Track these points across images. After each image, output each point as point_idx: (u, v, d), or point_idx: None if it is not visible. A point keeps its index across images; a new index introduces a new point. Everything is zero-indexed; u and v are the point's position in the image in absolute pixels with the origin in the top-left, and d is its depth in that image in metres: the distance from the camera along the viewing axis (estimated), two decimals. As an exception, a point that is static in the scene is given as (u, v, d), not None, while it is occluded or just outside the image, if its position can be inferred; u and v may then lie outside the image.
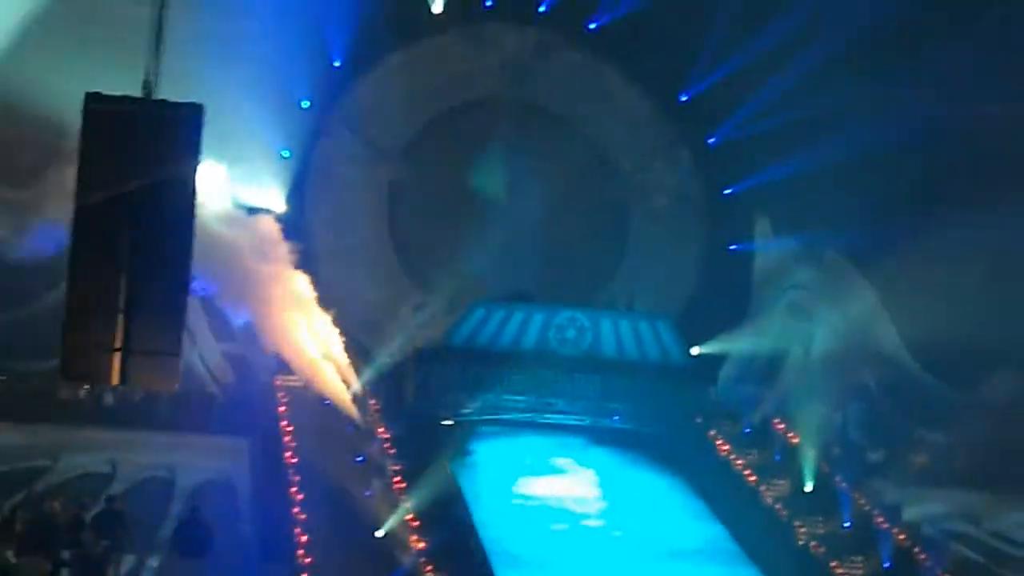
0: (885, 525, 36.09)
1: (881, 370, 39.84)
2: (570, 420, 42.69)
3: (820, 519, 36.89)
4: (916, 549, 35.05)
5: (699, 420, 42.00)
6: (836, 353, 40.55)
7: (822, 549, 35.79)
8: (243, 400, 36.96)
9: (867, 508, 36.72)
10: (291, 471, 34.39)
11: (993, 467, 35.84)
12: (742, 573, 35.75)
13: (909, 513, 35.99)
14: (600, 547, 36.61)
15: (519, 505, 38.35)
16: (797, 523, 36.98)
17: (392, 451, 37.20)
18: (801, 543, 36.51)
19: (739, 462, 40.14)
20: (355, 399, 38.61)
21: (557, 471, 40.67)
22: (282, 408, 37.45)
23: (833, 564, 35.18)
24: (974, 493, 35.88)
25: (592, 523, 37.79)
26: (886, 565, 34.64)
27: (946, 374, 38.30)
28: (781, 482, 38.82)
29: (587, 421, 42.70)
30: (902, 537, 35.59)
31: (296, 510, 32.42)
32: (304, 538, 31.18)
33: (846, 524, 36.46)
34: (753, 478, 39.33)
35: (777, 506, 37.99)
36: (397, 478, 35.82)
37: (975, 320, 37.43)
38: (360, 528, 32.63)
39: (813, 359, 41.08)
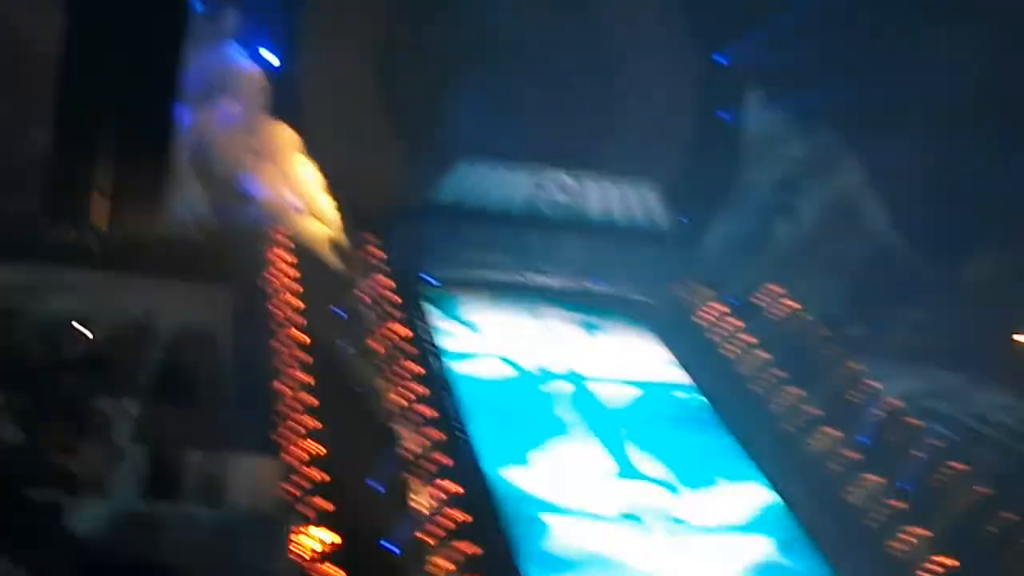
0: (863, 400, 36.17)
1: (865, 247, 39.72)
2: (554, 282, 42.59)
3: (800, 391, 36.95)
4: (894, 425, 35.14)
5: (683, 287, 41.91)
6: (821, 228, 40.42)
7: (799, 420, 35.90)
8: (228, 249, 36.74)
9: (846, 383, 36.77)
10: (273, 323, 34.31)
11: (972, 347, 35.87)
12: (718, 440, 35.89)
13: (888, 389, 36.03)
14: (574, 404, 36.70)
15: (496, 361, 38.42)
16: (777, 394, 37.04)
17: (375, 306, 37.13)
18: (779, 414, 36.59)
19: (721, 331, 40.15)
20: (339, 252, 38.46)
21: (539, 330, 40.71)
22: (267, 259, 37.28)
23: (810, 436, 35.29)
24: (953, 372, 35.94)
25: (565, 387, 37.82)
26: (862, 439, 34.75)
27: (930, 253, 38.20)
28: (761, 353, 38.83)
29: (569, 283, 42.59)
30: (880, 412, 35.68)
31: (278, 362, 32.38)
32: (285, 390, 31.18)
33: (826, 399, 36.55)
34: (734, 348, 39.37)
35: (756, 377, 38.04)
36: (375, 328, 35.79)
37: (962, 202, 37.31)
38: (340, 381, 32.63)
39: (798, 232, 40.94)
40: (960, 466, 33.01)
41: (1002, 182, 37.57)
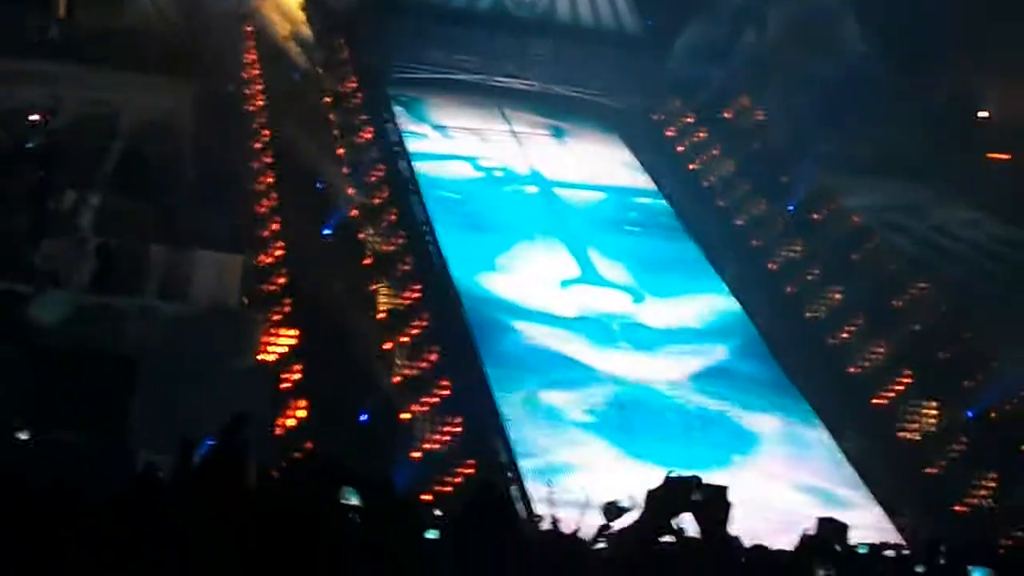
0: (826, 212, 36.21)
1: (835, 58, 39.37)
2: (519, 84, 42.23)
3: (762, 201, 36.94)
4: (855, 237, 35.23)
5: (649, 93, 41.63)
6: (790, 38, 39.99)
7: (761, 230, 35.96)
8: (192, 42, 36.14)
9: (811, 196, 36.78)
10: (237, 118, 33.94)
11: (943, 164, 35.79)
12: (680, 246, 35.96)
13: (853, 202, 36.03)
14: (540, 208, 36.69)
15: (464, 164, 38.26)
16: (738, 203, 37.05)
17: (338, 103, 36.80)
18: (742, 223, 36.62)
19: (685, 139, 40.01)
20: (305, 49, 37.97)
21: (505, 136, 40.47)
22: (232, 53, 36.73)
23: (771, 246, 35.37)
24: (922, 188, 35.90)
25: (531, 190, 37.74)
26: (823, 254, 34.83)
27: (901, 71, 37.91)
28: (725, 164, 38.75)
29: (537, 86, 42.26)
30: (842, 224, 35.76)
31: (241, 158, 32.10)
32: (250, 183, 30.98)
33: (789, 208, 36.52)
34: (698, 156, 39.26)
35: (720, 185, 38.01)
36: (342, 131, 35.50)
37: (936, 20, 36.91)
38: (304, 182, 32.39)
39: (766, 40, 40.55)
40: (922, 285, 33.18)
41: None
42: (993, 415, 30.04)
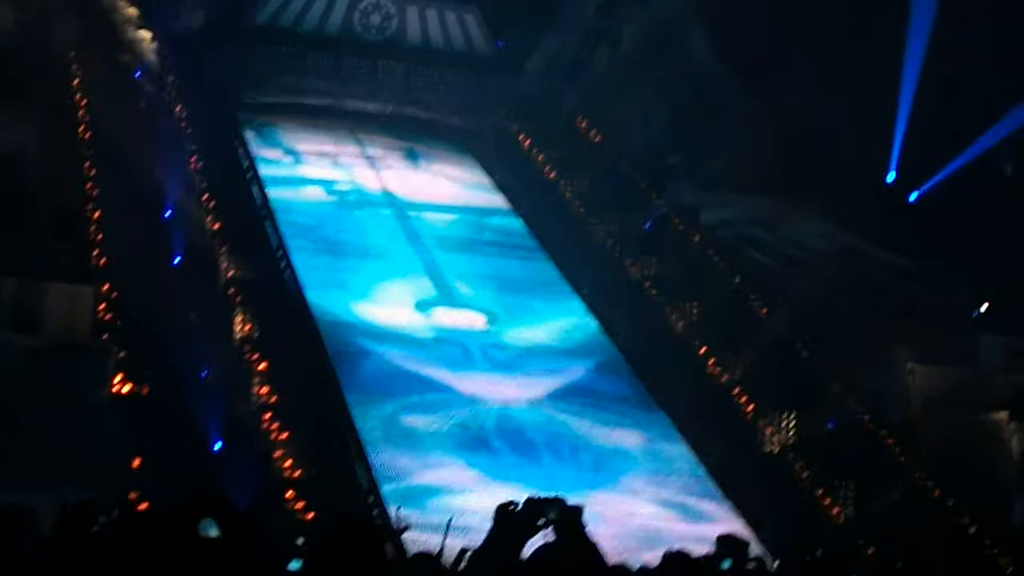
0: (681, 227, 36.48)
1: (688, 74, 39.74)
2: (372, 107, 42.09)
3: (617, 218, 37.12)
4: (710, 251, 35.55)
5: (502, 112, 41.70)
6: (643, 53, 40.29)
7: (617, 247, 36.14)
8: (32, 68, 35.57)
9: (665, 210, 37.04)
10: (82, 144, 33.44)
11: (790, 174, 36.19)
12: (538, 265, 36.01)
13: (706, 216, 36.36)
14: (395, 230, 36.57)
15: (317, 189, 38.04)
16: (594, 221, 37.19)
17: (188, 129, 36.41)
18: (597, 241, 36.77)
19: (540, 157, 40.10)
20: (150, 73, 37.55)
21: (359, 159, 40.31)
22: (75, 81, 36.23)
23: (628, 263, 35.56)
24: (770, 199, 36.28)
25: (386, 213, 37.61)
26: (679, 270, 35.09)
27: (751, 81, 38.32)
28: (581, 180, 38.89)
29: (390, 109, 42.14)
30: (698, 239, 36.06)
31: (89, 185, 31.61)
32: (96, 214, 30.49)
33: (645, 226, 36.75)
34: (553, 174, 39.37)
35: (576, 203, 38.12)
36: (193, 157, 35.14)
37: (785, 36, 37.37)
38: (153, 206, 32.01)
39: (620, 57, 40.82)
40: (776, 297, 33.51)
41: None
42: (851, 424, 30.44)
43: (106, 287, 27.93)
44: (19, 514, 10.20)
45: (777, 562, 12.33)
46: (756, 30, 37.94)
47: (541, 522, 9.35)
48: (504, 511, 9.30)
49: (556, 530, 9.40)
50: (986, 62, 35.34)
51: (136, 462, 24.43)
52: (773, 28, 37.46)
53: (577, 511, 9.58)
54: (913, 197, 36.75)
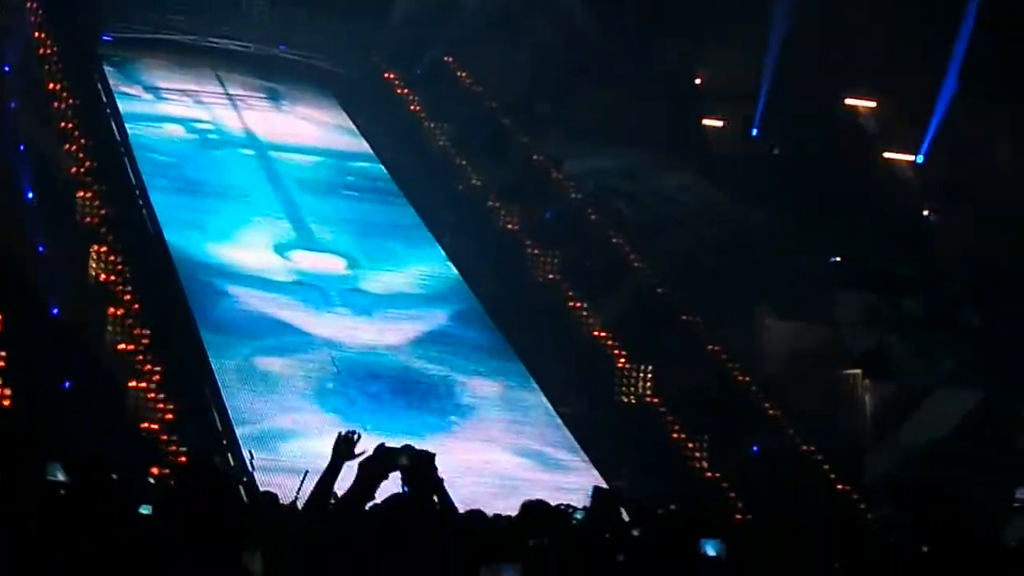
0: (545, 176, 36.43)
1: (558, 24, 39.63)
2: (234, 45, 41.48)
3: (484, 165, 36.92)
4: (577, 200, 35.51)
5: (368, 55, 41.31)
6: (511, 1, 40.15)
7: (483, 195, 35.98)
8: None
9: (535, 159, 36.95)
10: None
11: (658, 130, 36.29)
12: (400, 210, 35.80)
13: (572, 167, 36.29)
14: (255, 171, 36.17)
15: (177, 127, 37.47)
16: (460, 167, 36.97)
17: (45, 62, 35.61)
18: (461, 188, 36.56)
19: (406, 102, 39.79)
20: (5, 3, 36.71)
21: (220, 98, 39.74)
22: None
23: (491, 204, 35.39)
24: (639, 153, 36.31)
25: (247, 153, 37.17)
26: (547, 215, 35.03)
27: (620, 32, 38.31)
28: (448, 126, 38.62)
29: (253, 48, 41.55)
30: (564, 189, 36.03)
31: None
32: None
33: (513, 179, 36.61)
34: (420, 119, 39.08)
35: (442, 149, 37.88)
36: (48, 89, 34.39)
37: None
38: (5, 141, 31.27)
39: (489, 2, 40.58)
40: (640, 250, 33.59)
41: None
42: (708, 378, 30.66)
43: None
44: None
45: (625, 515, 12.27)
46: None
47: (396, 466, 9.24)
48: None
49: (407, 477, 9.29)
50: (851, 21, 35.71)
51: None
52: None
53: (429, 457, 9.46)
54: (776, 152, 37.03)
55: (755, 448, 28.95)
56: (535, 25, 38.91)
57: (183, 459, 24.37)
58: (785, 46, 36.08)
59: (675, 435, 29.35)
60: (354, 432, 9.36)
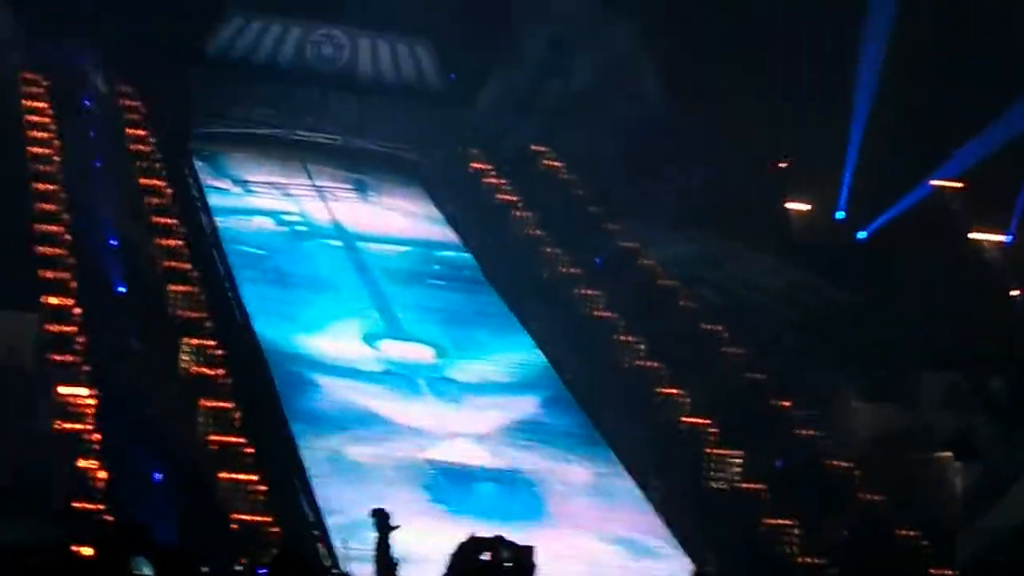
0: (629, 263, 36.54)
1: (637, 107, 39.84)
2: (321, 138, 42.04)
3: (568, 251, 37.09)
4: (660, 287, 35.59)
5: (453, 145, 41.70)
6: (595, 88, 40.41)
7: (567, 281, 36.12)
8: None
9: (618, 244, 37.10)
10: (30, 172, 33.31)
11: (740, 214, 36.34)
12: (486, 298, 35.97)
13: (655, 252, 36.38)
14: (343, 262, 36.48)
15: (266, 219, 37.96)
16: (545, 254, 37.18)
17: (136, 158, 36.30)
18: (546, 275, 36.74)
19: (491, 190, 40.10)
20: (99, 102, 37.45)
21: (308, 190, 40.22)
22: (22, 109, 36.08)
23: (578, 297, 35.54)
24: (720, 238, 36.33)
25: (335, 245, 37.55)
26: (622, 299, 35.09)
27: (702, 113, 38.45)
28: (535, 212, 38.87)
29: (340, 140, 42.08)
30: (648, 275, 36.10)
31: (34, 215, 31.46)
32: (41, 243, 30.30)
33: (596, 260, 36.74)
34: (504, 207, 39.34)
35: (526, 236, 38.10)
36: (140, 186, 35.01)
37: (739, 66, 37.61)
38: (100, 237, 31.80)
39: (572, 92, 40.90)
40: (718, 328, 33.60)
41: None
42: (796, 461, 30.48)
43: (51, 315, 27.71)
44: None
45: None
46: (706, 66, 38.15)
47: (490, 560, 9.32)
48: (464, 551, 9.25)
49: (508, 570, 9.36)
50: (935, 103, 35.68)
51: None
52: (723, 66, 37.66)
53: (528, 551, 9.54)
54: (862, 235, 36.94)
55: (844, 534, 28.73)
56: (617, 110, 39.11)
57: (274, 550, 24.50)
58: (870, 126, 36.12)
59: (766, 519, 29.16)
60: (381, 509, 9.51)
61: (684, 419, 31.47)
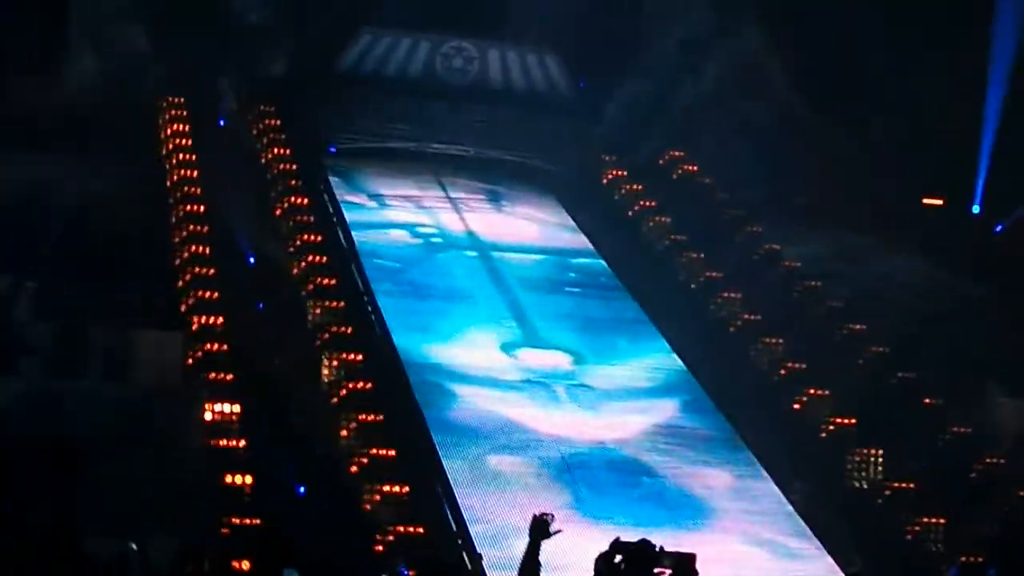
0: (762, 262, 36.44)
1: (769, 107, 39.68)
2: (454, 150, 42.33)
3: (700, 254, 37.06)
4: (796, 287, 35.45)
5: (586, 154, 41.79)
6: (726, 89, 40.29)
7: (703, 285, 36.09)
8: (122, 120, 36.07)
9: (745, 246, 37.00)
10: (171, 195, 33.93)
11: (878, 210, 36.05)
12: (622, 304, 36.02)
13: (790, 252, 36.24)
14: (479, 272, 36.70)
15: (401, 232, 38.30)
16: (679, 258, 37.18)
17: (273, 176, 36.82)
18: (682, 279, 36.73)
19: (623, 196, 40.16)
20: (234, 120, 38.02)
21: (442, 202, 40.52)
22: (162, 130, 36.72)
23: (713, 300, 35.49)
24: (857, 235, 36.05)
25: (470, 255, 37.77)
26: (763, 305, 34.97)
27: (834, 114, 38.23)
28: (662, 219, 38.89)
29: (472, 151, 42.36)
30: (783, 273, 35.99)
31: (176, 233, 32.07)
32: (184, 262, 30.89)
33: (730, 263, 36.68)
34: (637, 213, 39.38)
35: (660, 241, 38.12)
36: (278, 203, 35.54)
37: (866, 61, 37.35)
38: (240, 256, 32.31)
39: (702, 94, 40.81)
40: (858, 326, 33.39)
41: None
42: (940, 459, 30.21)
43: (196, 333, 28.22)
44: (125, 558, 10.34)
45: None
46: (836, 62, 37.93)
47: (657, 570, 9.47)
48: (608, 556, 9.37)
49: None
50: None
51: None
52: (854, 60, 37.41)
53: (692, 559, 9.68)
54: (1000, 228, 36.51)
55: (987, 530, 28.43)
56: (750, 109, 38.96)
57: (418, 560, 24.73)
58: (1005, 117, 35.72)
59: (913, 518, 28.94)
60: (547, 513, 9.66)
61: (826, 418, 31.30)
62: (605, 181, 40.98)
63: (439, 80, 42.69)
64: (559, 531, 9.59)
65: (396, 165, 41.56)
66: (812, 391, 31.93)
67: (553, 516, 9.66)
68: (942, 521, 28.60)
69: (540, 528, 9.59)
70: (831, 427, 31.04)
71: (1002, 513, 28.91)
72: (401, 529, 25.81)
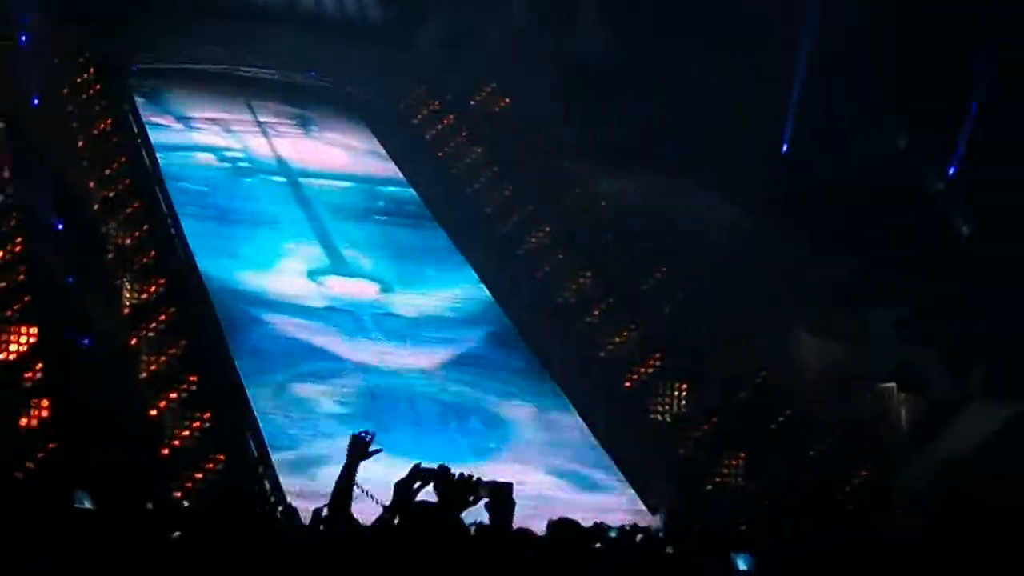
0: (573, 198, 36.54)
1: (581, 45, 39.68)
2: (264, 73, 41.66)
3: (509, 187, 37.01)
4: (603, 223, 35.55)
5: (398, 82, 41.44)
6: (536, 24, 40.20)
7: (509, 217, 36.09)
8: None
9: (557, 181, 37.05)
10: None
11: (681, 147, 36.21)
12: (431, 234, 35.91)
13: (599, 188, 36.31)
14: (287, 198, 36.33)
15: (209, 155, 37.69)
16: (487, 191, 37.13)
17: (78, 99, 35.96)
18: (488, 210, 36.66)
19: (433, 127, 39.93)
20: (38, 40, 36.99)
21: (251, 126, 39.94)
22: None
23: (519, 224, 35.48)
24: (661, 172, 36.18)
25: (278, 180, 37.33)
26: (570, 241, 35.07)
27: (641, 52, 38.28)
28: (473, 151, 38.73)
29: (281, 76, 41.72)
30: (592, 210, 36.12)
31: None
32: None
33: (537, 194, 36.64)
34: (446, 144, 39.20)
35: (470, 175, 37.98)
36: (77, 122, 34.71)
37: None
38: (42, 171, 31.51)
39: (512, 28, 40.66)
40: (667, 268, 33.61)
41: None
42: (741, 394, 30.62)
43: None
44: None
45: (661, 525, 12.39)
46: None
47: (472, 499, 9.44)
48: (406, 483, 9.28)
49: (489, 507, 9.48)
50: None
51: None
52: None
53: (508, 488, 9.64)
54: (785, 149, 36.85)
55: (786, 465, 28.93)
56: (557, 49, 38.86)
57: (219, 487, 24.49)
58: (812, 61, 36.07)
59: (710, 453, 29.33)
60: (367, 432, 9.57)
61: (627, 354, 31.55)
62: (417, 110, 40.65)
63: (250, 2, 41.89)
64: (378, 450, 9.46)
65: (204, 87, 40.76)
66: (618, 326, 32.16)
67: (373, 435, 9.52)
68: (742, 456, 29.01)
69: (358, 447, 9.45)
70: (635, 360, 31.28)
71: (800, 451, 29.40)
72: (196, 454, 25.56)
